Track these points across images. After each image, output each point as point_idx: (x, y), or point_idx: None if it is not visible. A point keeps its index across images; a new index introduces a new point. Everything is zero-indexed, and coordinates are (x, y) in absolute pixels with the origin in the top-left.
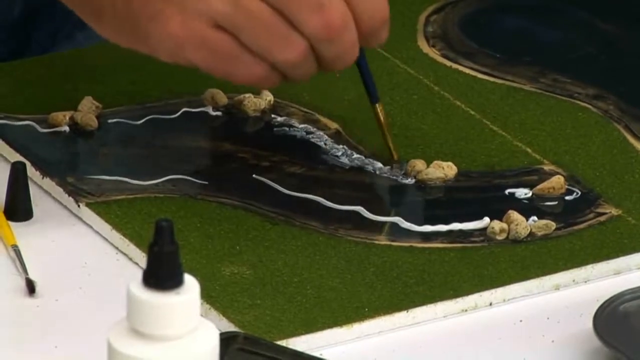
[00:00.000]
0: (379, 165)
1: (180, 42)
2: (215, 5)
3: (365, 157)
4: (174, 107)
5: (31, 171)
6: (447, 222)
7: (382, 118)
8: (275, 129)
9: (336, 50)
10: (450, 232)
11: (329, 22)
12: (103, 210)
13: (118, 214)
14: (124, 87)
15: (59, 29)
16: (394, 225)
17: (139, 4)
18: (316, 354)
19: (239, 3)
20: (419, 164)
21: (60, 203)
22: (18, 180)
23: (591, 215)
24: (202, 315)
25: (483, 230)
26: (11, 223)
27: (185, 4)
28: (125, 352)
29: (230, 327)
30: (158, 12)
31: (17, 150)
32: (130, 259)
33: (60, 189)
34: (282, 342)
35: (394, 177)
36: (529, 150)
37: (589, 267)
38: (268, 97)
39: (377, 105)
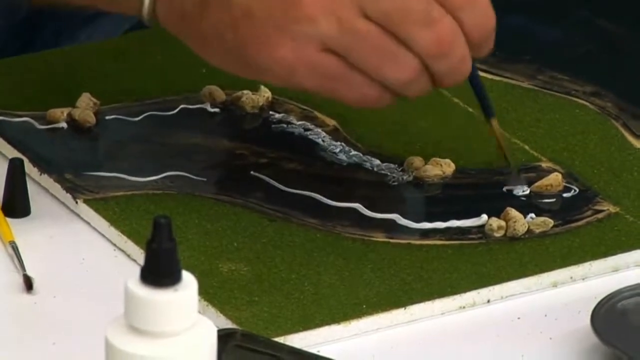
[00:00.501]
0: (377, 162)
1: (291, 68)
2: (323, 29)
3: (363, 154)
4: (172, 103)
5: (29, 167)
6: (445, 219)
7: (497, 133)
8: (273, 125)
9: (448, 64)
10: (448, 229)
11: (440, 37)
12: (101, 206)
13: (116, 210)
14: (122, 84)
15: (63, 28)
16: (392, 222)
17: (247, 32)
18: (314, 350)
19: (347, 25)
20: (417, 161)
21: (58, 200)
22: (16, 177)
23: (589, 213)
24: (199, 312)
25: (481, 227)
26: (9, 219)
27: (293, 29)
28: (123, 349)
29: (228, 324)
30: (267, 38)
31: (14, 146)
32: (128, 256)
33: (58, 186)
34: (280, 339)
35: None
36: (526, 147)
37: (587, 264)
38: (266, 94)
39: (492, 119)
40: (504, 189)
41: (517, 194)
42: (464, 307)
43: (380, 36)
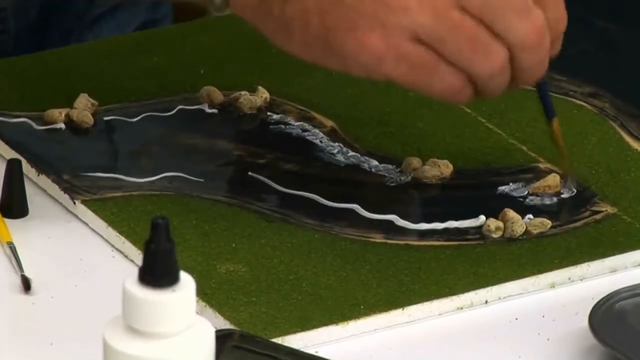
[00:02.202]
0: (375, 162)
1: (379, 57)
2: (418, 19)
3: (361, 154)
4: (169, 104)
5: (27, 168)
6: (443, 220)
7: (558, 134)
8: (271, 126)
9: (537, 57)
10: (446, 230)
11: (537, 27)
12: (99, 207)
13: (114, 211)
14: (120, 85)
15: (72, 29)
16: (390, 223)
17: (336, 18)
18: (312, 351)
19: (441, 15)
20: (414, 162)
21: (56, 200)
22: (14, 178)
23: (587, 214)
24: (197, 313)
25: (479, 228)
26: (7, 220)
27: (386, 17)
28: (121, 350)
29: (226, 325)
30: (357, 25)
31: (12, 147)
32: (126, 257)
33: (56, 186)
34: (278, 340)
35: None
36: (524, 148)
37: (585, 265)
38: (264, 94)
39: (553, 120)
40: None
41: (515, 195)
42: (461, 308)
43: (474, 27)
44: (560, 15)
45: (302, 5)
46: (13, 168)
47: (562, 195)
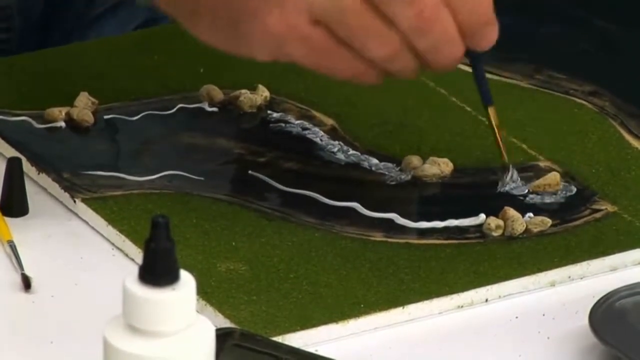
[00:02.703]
0: (375, 161)
1: (280, 39)
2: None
3: (361, 153)
4: (169, 103)
5: (27, 167)
6: (443, 219)
7: (493, 121)
8: (271, 125)
9: (431, 42)
10: (446, 229)
11: (421, 11)
12: (99, 206)
13: (114, 209)
14: (120, 83)
15: (74, 28)
16: (390, 221)
17: (239, 3)
18: (312, 350)
19: None
20: (414, 160)
21: (56, 199)
22: (14, 176)
23: (587, 212)
24: (198, 312)
25: (479, 226)
26: (7, 219)
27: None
28: (121, 348)
29: (226, 323)
30: (257, 8)
31: (13, 145)
32: (126, 255)
33: (56, 185)
34: (278, 338)
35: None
36: (524, 146)
37: (585, 263)
38: (264, 93)
39: (490, 108)
40: (499, 189)
41: (516, 194)
42: (461, 307)
43: (365, 11)
44: (471, 7)
45: None
46: (13, 166)
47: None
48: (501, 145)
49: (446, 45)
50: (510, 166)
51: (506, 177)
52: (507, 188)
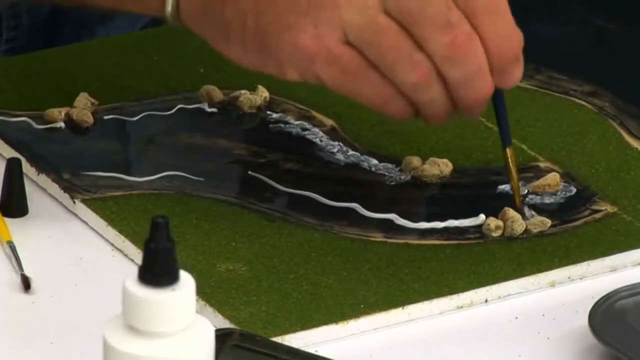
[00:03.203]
0: (375, 162)
1: (311, 57)
2: (347, 18)
3: (361, 154)
4: (169, 103)
5: (26, 167)
6: (442, 219)
7: (511, 163)
8: (270, 125)
9: (463, 73)
10: (445, 229)
11: (455, 40)
12: (99, 206)
13: (114, 210)
14: (120, 84)
15: (84, 25)
16: (390, 222)
17: (270, 18)
18: (312, 350)
19: (369, 17)
20: (414, 161)
21: (56, 199)
22: (13, 177)
23: (587, 213)
24: (197, 312)
25: (479, 227)
26: (6, 219)
27: (317, 16)
28: (121, 349)
29: (226, 324)
30: (290, 25)
31: (12, 146)
32: (126, 256)
33: (56, 185)
34: (278, 339)
35: (390, 175)
36: (524, 147)
37: (585, 264)
38: (264, 93)
39: (508, 149)
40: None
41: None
42: (461, 307)
43: (398, 34)
44: (501, 34)
45: (239, 7)
46: (13, 167)
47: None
48: (516, 188)
49: (477, 78)
50: (526, 208)
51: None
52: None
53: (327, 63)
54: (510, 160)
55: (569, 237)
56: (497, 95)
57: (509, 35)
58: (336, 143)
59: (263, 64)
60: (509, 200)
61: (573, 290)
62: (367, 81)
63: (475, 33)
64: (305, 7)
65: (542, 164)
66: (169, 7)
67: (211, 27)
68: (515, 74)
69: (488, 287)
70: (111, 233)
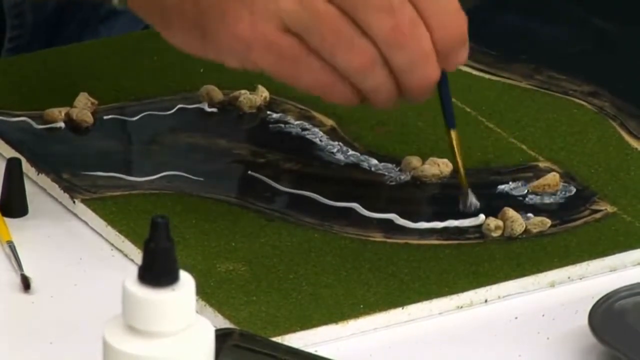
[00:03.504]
0: (374, 162)
1: (248, 44)
2: (284, 5)
3: (361, 153)
4: (169, 103)
5: (26, 167)
6: (442, 219)
7: (455, 145)
8: (270, 125)
9: (408, 58)
10: (445, 229)
11: (398, 24)
12: (98, 206)
13: (113, 210)
14: (120, 84)
15: (86, 23)
16: (390, 222)
17: (208, 6)
18: (311, 350)
19: (307, 3)
20: (414, 161)
21: (56, 199)
22: (13, 177)
23: (586, 213)
24: (197, 312)
25: (478, 227)
26: (6, 219)
27: (254, 4)
28: (121, 349)
29: (226, 324)
30: (226, 12)
31: (12, 146)
32: (126, 255)
33: (56, 185)
34: (278, 339)
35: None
36: (524, 147)
37: (585, 264)
38: (264, 93)
39: (452, 131)
40: (460, 208)
41: (515, 194)
42: (461, 307)
43: (338, 19)
44: (449, 22)
45: None
46: (13, 167)
47: (513, 192)
48: (461, 171)
49: (422, 63)
50: (469, 191)
51: (467, 202)
52: (467, 211)
53: (264, 50)
54: (454, 142)
55: (569, 237)
56: (442, 77)
57: (453, 19)
58: (336, 143)
59: (203, 50)
60: (509, 200)
61: (573, 290)
62: (308, 67)
63: (419, 17)
64: None
65: (542, 164)
66: None
67: (154, 13)
68: (460, 57)
69: (488, 287)
70: (111, 233)
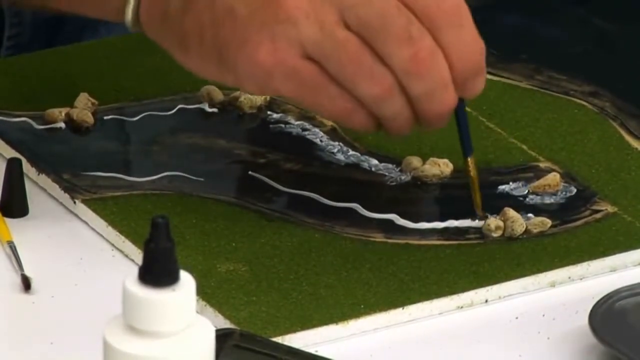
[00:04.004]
0: (375, 162)
1: (269, 71)
2: (304, 32)
3: (361, 154)
4: (169, 103)
5: (27, 167)
6: (443, 219)
7: (472, 173)
8: (271, 125)
9: (426, 87)
10: (446, 229)
11: (417, 54)
12: (99, 206)
13: (114, 210)
14: (120, 84)
15: (87, 23)
16: (390, 222)
17: (228, 32)
18: (312, 350)
19: (328, 31)
20: (415, 161)
21: (56, 199)
22: (14, 177)
23: (587, 213)
24: (197, 312)
25: (479, 227)
26: (7, 219)
27: (275, 31)
28: (121, 349)
29: (226, 324)
30: (247, 39)
31: (12, 146)
32: (126, 256)
33: (56, 186)
34: (278, 339)
35: (390, 175)
36: (524, 147)
37: (585, 264)
38: None
39: (469, 159)
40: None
41: (515, 194)
42: (461, 307)
43: (358, 47)
44: (466, 51)
45: (199, 18)
46: (13, 167)
47: (515, 192)
48: (477, 199)
49: (440, 92)
50: (488, 216)
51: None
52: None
53: (285, 77)
54: (471, 170)
55: (569, 237)
56: (459, 105)
57: (471, 48)
58: (336, 143)
59: (221, 76)
60: (510, 200)
61: (573, 290)
62: (328, 95)
63: (438, 46)
64: (263, 21)
65: (542, 164)
66: (129, 16)
67: (170, 37)
68: (478, 85)
69: (488, 287)
70: (111, 233)
